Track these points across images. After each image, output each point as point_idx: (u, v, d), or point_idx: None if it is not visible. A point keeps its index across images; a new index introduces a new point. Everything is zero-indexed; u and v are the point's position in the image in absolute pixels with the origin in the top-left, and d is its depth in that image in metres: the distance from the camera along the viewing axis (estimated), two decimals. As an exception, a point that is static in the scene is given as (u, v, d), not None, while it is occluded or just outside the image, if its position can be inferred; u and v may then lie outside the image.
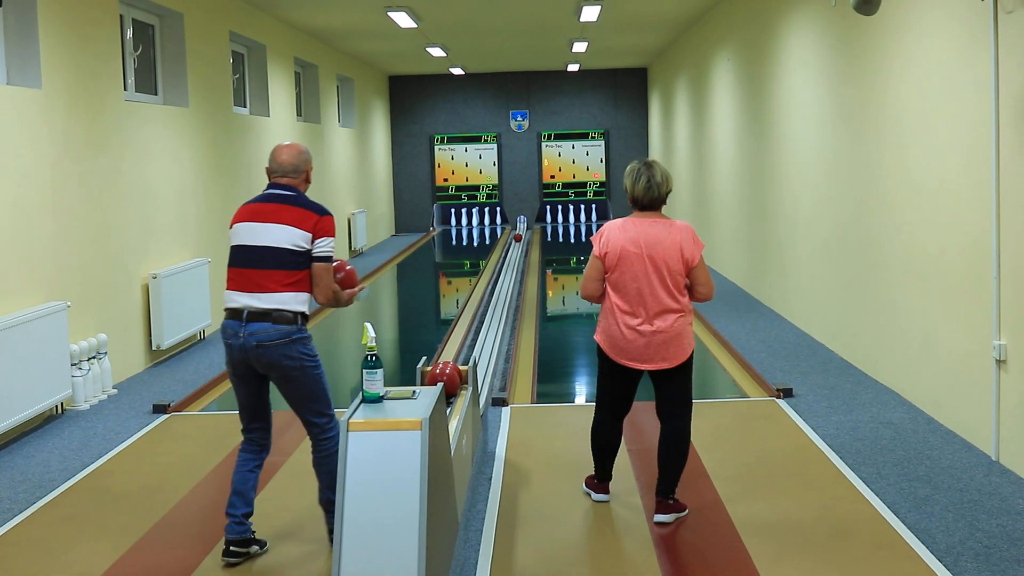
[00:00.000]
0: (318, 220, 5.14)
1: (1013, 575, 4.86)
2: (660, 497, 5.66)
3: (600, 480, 6.02)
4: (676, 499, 5.70)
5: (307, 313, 5.20)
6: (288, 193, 5.23)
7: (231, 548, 5.15)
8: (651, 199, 5.67)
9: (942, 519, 5.57)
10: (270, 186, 5.30)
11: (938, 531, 5.40)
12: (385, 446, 4.09)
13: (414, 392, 4.57)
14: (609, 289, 5.65)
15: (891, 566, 4.99)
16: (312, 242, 5.12)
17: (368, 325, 4.62)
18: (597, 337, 5.77)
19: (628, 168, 5.75)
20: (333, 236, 5.20)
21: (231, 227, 5.27)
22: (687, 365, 5.68)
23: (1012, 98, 6.14)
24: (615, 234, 5.63)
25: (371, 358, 4.46)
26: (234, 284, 5.16)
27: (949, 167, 7.12)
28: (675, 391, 5.70)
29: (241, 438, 5.37)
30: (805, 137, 10.98)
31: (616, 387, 5.78)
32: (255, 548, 5.22)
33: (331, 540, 5.17)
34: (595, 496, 6.01)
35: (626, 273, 5.57)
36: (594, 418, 5.95)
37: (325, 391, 5.23)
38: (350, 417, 4.19)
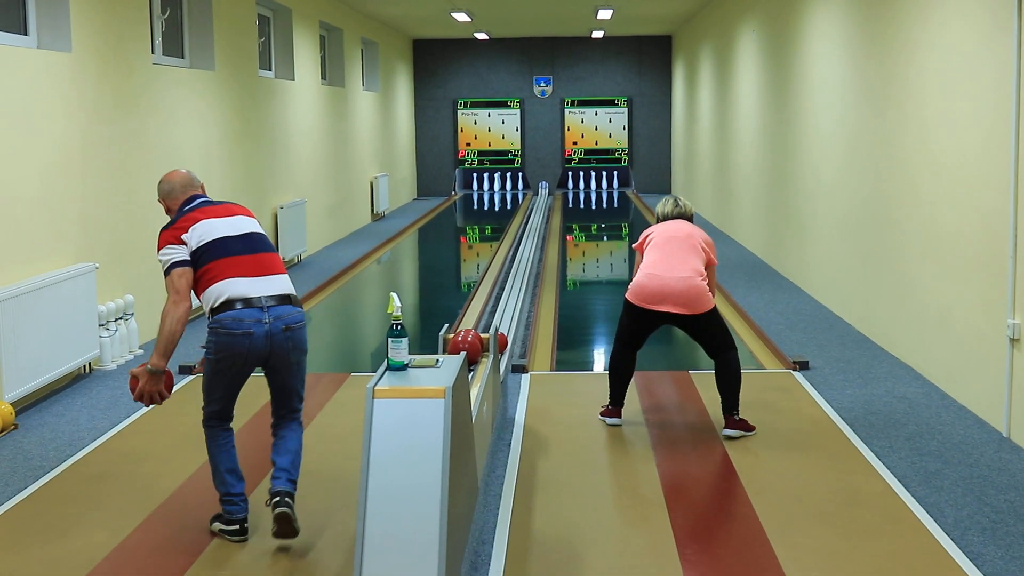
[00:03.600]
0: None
1: (1019, 549, 4.97)
2: (726, 415, 6.66)
3: (614, 406, 6.95)
4: (742, 419, 6.66)
5: None
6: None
7: (244, 526, 5.12)
8: (679, 213, 6.97)
9: (951, 493, 5.68)
10: (193, 199, 5.26)
11: (947, 505, 5.51)
12: (409, 413, 4.20)
13: (437, 360, 4.68)
14: (642, 256, 6.80)
15: (899, 539, 5.10)
16: None
17: (394, 295, 4.72)
18: (627, 294, 6.75)
19: (664, 199, 7.11)
20: None
21: (190, 229, 5.06)
22: (712, 317, 6.64)
23: (1032, 80, 6.21)
24: (652, 229, 6.89)
25: (396, 327, 4.57)
26: (235, 271, 5.00)
27: (969, 147, 7.18)
28: (713, 338, 6.69)
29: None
30: (828, 111, 11.02)
31: (633, 326, 6.79)
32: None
33: (276, 499, 4.95)
34: (609, 421, 6.93)
35: (660, 241, 6.73)
36: (612, 350, 6.97)
37: None
38: (376, 384, 4.30)
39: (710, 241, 6.82)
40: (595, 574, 4.76)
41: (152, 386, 5.10)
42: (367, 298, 13.28)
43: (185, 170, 5.38)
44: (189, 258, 5.02)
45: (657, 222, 6.97)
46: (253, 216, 5.31)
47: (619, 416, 6.93)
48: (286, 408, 5.24)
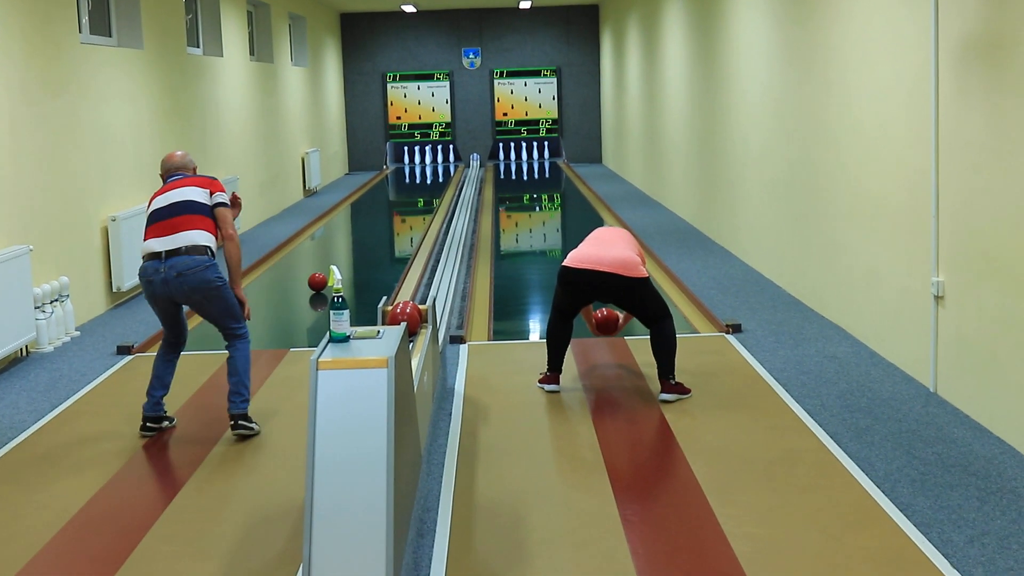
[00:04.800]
0: (212, 181, 6.45)
1: (946, 499, 5.15)
2: (661, 379, 6.80)
3: (551, 372, 7.08)
4: (678, 383, 6.82)
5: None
6: (183, 174, 6.59)
7: (147, 424, 6.41)
8: None
9: (881, 448, 5.86)
10: (168, 178, 6.58)
11: (877, 459, 5.69)
12: (353, 384, 4.27)
13: (379, 332, 4.75)
14: None
15: (832, 493, 5.26)
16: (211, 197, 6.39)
17: (334, 268, 4.80)
18: (563, 263, 6.92)
19: None
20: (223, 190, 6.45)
21: (149, 205, 6.44)
22: (646, 286, 6.79)
23: (951, 44, 6.37)
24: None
25: (337, 299, 4.64)
26: (150, 234, 6.28)
27: (891, 110, 7.35)
28: (646, 310, 6.82)
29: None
30: (754, 77, 11.19)
31: (568, 296, 6.93)
32: (166, 423, 6.50)
33: (233, 427, 6.27)
34: (547, 388, 7.07)
35: (591, 236, 7.11)
36: (549, 318, 7.09)
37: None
38: (319, 356, 4.37)
39: (640, 250, 7.03)
40: (539, 537, 4.87)
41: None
42: (302, 274, 13.26)
43: (180, 153, 6.68)
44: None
45: None
46: (198, 184, 6.37)
47: (557, 383, 7.06)
48: (223, 332, 6.41)
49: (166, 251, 6.12)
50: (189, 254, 6.11)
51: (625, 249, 6.85)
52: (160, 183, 6.97)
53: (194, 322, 8.81)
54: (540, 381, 7.11)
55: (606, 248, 6.86)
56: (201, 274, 6.12)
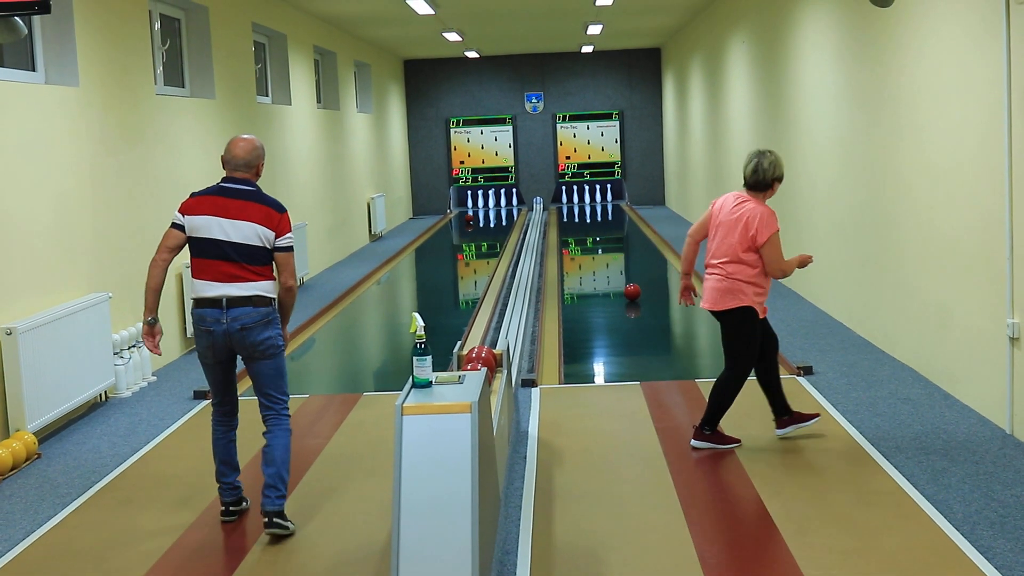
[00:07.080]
0: (280, 219, 5.67)
1: (1028, 542, 5.13)
2: (695, 426, 6.71)
3: (783, 415, 6.84)
4: (710, 432, 6.65)
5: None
6: (248, 188, 5.70)
7: (230, 509, 5.82)
8: (755, 181, 6.61)
9: (959, 490, 5.83)
10: (224, 180, 5.74)
11: (955, 502, 5.66)
12: (437, 428, 4.35)
13: (460, 377, 4.83)
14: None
15: (911, 535, 5.25)
16: (275, 240, 5.66)
17: (416, 315, 4.88)
18: None
19: (748, 153, 6.72)
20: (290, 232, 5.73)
21: (188, 217, 5.62)
22: (729, 321, 6.55)
23: (1023, 86, 6.38)
24: (723, 198, 6.79)
25: (420, 346, 4.73)
26: (208, 274, 5.60)
27: (963, 151, 7.35)
28: (724, 344, 6.64)
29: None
30: (821, 119, 11.20)
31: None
32: (245, 504, 5.93)
33: (266, 525, 5.54)
34: (809, 423, 6.88)
35: (711, 230, 6.70)
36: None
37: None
38: (403, 402, 4.45)
39: (764, 218, 6.47)
40: (618, 579, 4.91)
41: (144, 335, 5.82)
42: (370, 319, 13.41)
43: (247, 140, 5.74)
44: (183, 223, 5.64)
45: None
46: (265, 223, 5.62)
47: (797, 422, 6.84)
48: (264, 403, 5.76)
49: (227, 298, 5.55)
50: (254, 305, 5.56)
51: (726, 261, 6.52)
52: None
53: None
54: (785, 424, 6.83)
55: (711, 260, 6.63)
56: (264, 330, 5.59)
